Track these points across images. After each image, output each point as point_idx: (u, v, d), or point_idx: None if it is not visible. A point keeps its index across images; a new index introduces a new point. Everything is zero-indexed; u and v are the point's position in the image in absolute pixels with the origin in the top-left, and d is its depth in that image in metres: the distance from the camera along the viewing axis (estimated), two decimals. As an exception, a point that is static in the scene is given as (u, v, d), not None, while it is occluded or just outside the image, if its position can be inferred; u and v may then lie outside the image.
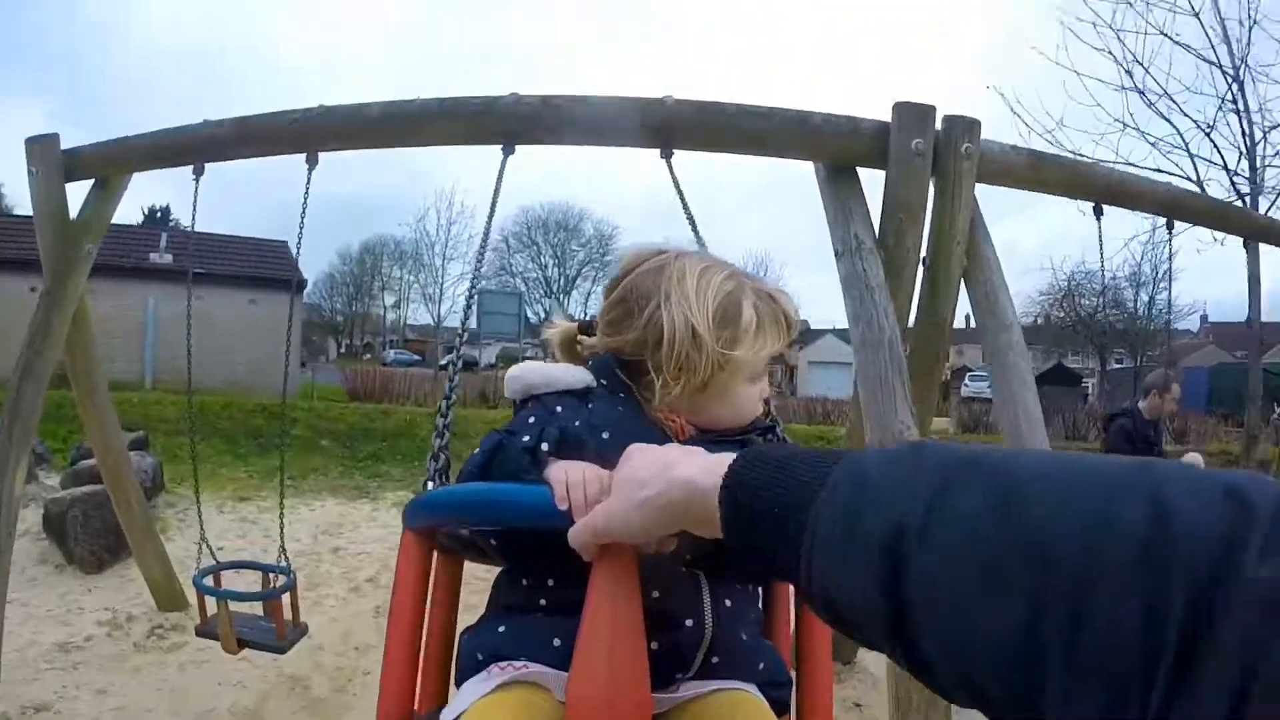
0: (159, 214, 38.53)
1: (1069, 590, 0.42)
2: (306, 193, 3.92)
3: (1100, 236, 4.71)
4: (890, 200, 3.48)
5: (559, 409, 1.14)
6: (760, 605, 1.24)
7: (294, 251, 3.87)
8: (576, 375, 1.20)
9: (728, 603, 1.10)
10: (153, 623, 5.14)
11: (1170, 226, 4.48)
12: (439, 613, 1.23)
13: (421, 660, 1.17)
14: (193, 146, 4.04)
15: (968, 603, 0.46)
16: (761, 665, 1.15)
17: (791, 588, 0.76)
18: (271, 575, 4.09)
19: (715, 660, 1.08)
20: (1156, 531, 0.41)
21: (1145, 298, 33.98)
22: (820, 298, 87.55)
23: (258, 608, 4.06)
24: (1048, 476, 0.47)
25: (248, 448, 10.19)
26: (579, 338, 1.31)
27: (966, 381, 37.56)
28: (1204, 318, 41.53)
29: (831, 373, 40.59)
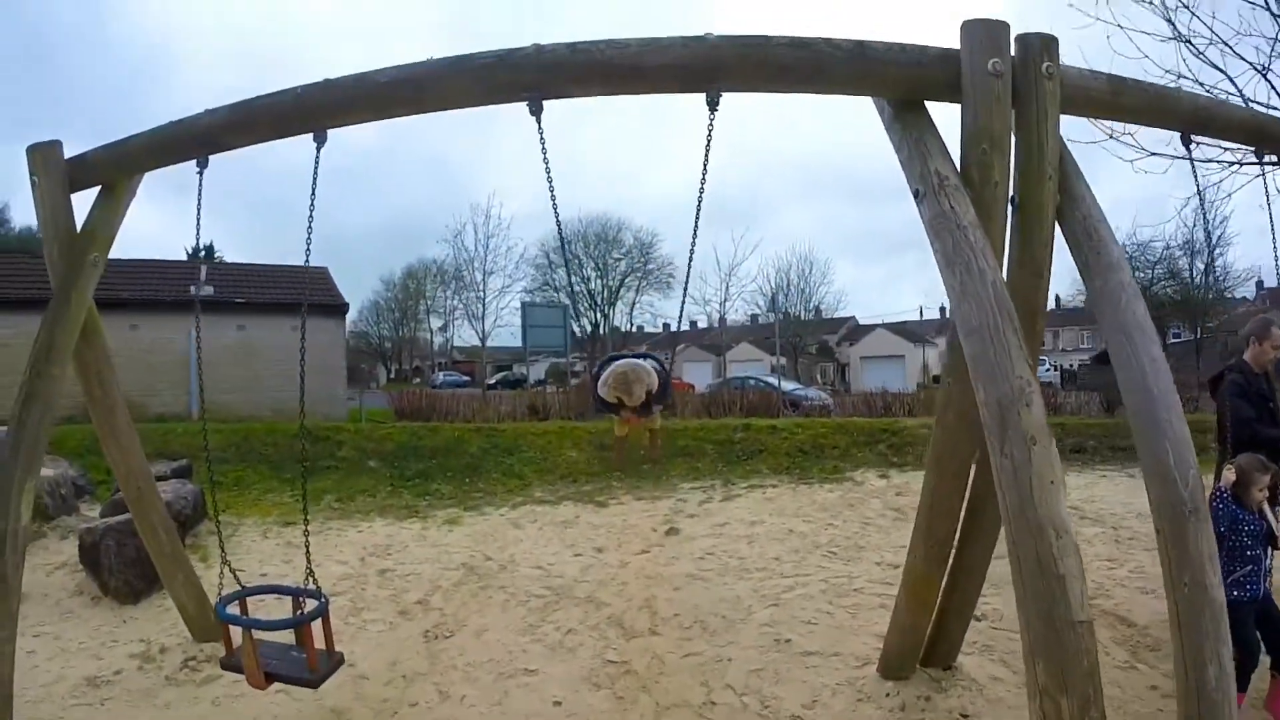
0: (202, 253, 39.27)
1: None
2: (315, 172, 3.61)
3: (1193, 168, 4.44)
4: (971, 131, 3.10)
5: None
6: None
7: (309, 229, 3.58)
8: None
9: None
10: (186, 654, 4.82)
11: (1260, 156, 4.14)
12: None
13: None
14: (195, 138, 3.81)
15: None
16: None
17: None
18: (302, 601, 3.72)
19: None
20: None
21: (1200, 266, 32.50)
22: (867, 293, 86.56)
23: (290, 636, 3.68)
24: None
25: (293, 472, 9.93)
26: None
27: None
28: (1260, 284, 39.37)
29: (884, 366, 39.72)
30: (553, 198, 3.26)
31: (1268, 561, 3.88)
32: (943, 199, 2.91)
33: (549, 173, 3.19)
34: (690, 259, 3.49)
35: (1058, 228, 3.28)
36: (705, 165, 3.21)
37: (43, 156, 4.08)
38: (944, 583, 4.00)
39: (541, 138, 3.14)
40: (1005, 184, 3.13)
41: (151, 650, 4.92)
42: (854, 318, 54.13)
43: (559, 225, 3.35)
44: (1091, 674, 2.19)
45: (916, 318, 58.18)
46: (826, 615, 5.36)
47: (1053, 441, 2.36)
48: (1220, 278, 32.21)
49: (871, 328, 50.52)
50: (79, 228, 4.11)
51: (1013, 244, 3.26)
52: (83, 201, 4.19)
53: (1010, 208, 3.22)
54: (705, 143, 3.20)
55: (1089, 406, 15.81)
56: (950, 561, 3.94)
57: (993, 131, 3.05)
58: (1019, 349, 2.47)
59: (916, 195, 3.03)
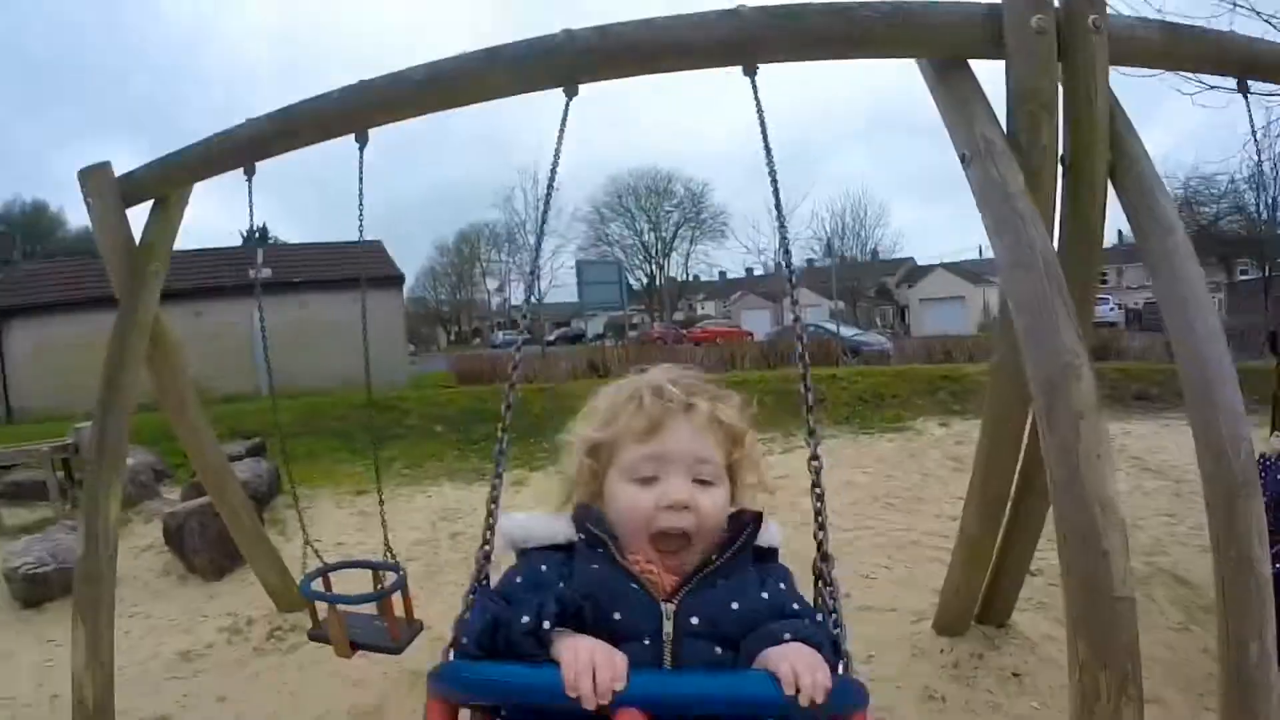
0: (257, 235, 40.29)
1: None
2: (360, 174, 3.74)
3: (1249, 112, 4.19)
4: (1016, 91, 3.02)
5: (544, 568, 1.21)
6: None
7: (360, 227, 3.74)
8: (556, 529, 1.25)
9: None
10: (272, 625, 5.14)
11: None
12: None
13: None
14: (239, 149, 3.88)
15: None
16: None
17: None
18: (382, 574, 3.93)
19: None
20: None
21: (1268, 199, 30.97)
22: (926, 232, 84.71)
23: (372, 607, 3.90)
24: None
25: (362, 442, 10.24)
26: None
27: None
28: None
29: (944, 308, 38.87)
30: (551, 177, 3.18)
31: None
32: (990, 165, 2.84)
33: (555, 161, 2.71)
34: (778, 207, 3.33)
35: (1110, 186, 3.16)
36: (765, 135, 2.50)
37: (94, 179, 4.18)
38: (999, 540, 4.02)
39: (563, 124, 2.65)
40: (1054, 145, 3.05)
41: (239, 623, 5.26)
42: (912, 258, 53.04)
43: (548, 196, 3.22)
44: (1130, 649, 2.16)
45: (976, 256, 56.65)
46: (885, 570, 5.42)
47: (1101, 415, 2.35)
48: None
49: (930, 268, 49.35)
50: (137, 240, 4.22)
51: (1064, 206, 3.19)
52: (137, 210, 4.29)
53: (1060, 167, 3.13)
54: (757, 110, 2.69)
55: (1154, 349, 15.41)
56: (1005, 519, 3.95)
57: (1040, 90, 2.96)
58: (1068, 321, 2.44)
59: (963, 160, 2.97)
